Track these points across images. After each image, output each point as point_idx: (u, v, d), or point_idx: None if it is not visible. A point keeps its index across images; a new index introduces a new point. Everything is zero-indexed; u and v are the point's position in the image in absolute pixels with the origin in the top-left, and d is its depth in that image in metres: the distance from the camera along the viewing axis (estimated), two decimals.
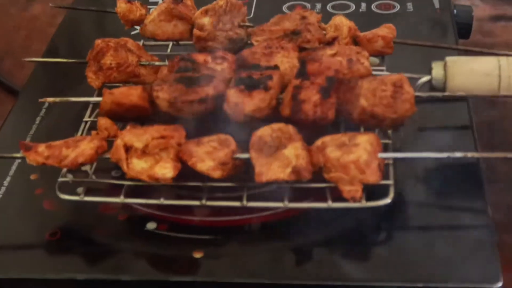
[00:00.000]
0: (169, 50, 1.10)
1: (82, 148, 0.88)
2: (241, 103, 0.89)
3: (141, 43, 1.10)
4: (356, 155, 0.81)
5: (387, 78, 0.84)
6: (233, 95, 0.90)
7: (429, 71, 0.96)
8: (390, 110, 0.83)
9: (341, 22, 1.05)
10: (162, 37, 1.07)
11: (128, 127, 0.89)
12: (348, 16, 1.06)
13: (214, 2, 1.07)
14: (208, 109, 0.91)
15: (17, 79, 1.30)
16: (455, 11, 1.21)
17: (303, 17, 1.05)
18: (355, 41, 1.05)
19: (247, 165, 0.82)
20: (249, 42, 1.06)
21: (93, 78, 1.01)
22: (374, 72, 0.97)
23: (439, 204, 0.88)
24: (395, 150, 0.90)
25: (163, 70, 1.02)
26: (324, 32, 1.05)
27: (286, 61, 0.97)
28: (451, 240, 0.83)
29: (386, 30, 1.04)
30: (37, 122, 1.03)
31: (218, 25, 1.05)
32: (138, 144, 0.86)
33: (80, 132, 0.97)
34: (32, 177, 0.93)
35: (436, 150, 0.83)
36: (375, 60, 1.05)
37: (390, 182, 0.85)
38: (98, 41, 1.02)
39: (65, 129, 1.01)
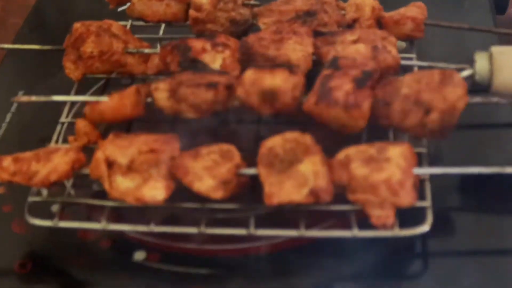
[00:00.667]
0: (161, 32, 0.95)
1: (56, 162, 0.74)
2: (260, 79, 0.77)
3: (128, 24, 0.94)
4: (388, 174, 0.69)
5: (434, 71, 0.75)
6: (251, 73, 0.78)
7: (469, 62, 0.81)
8: (438, 97, 0.72)
9: (363, 1, 0.90)
10: (153, 19, 0.92)
11: (110, 137, 0.74)
12: None
13: None
14: (217, 100, 0.78)
15: None
16: None
17: None
18: (380, 23, 0.91)
19: (255, 181, 0.72)
20: (255, 23, 0.92)
21: (71, 69, 0.86)
22: (402, 62, 0.84)
23: (485, 224, 0.75)
24: (431, 161, 0.76)
25: (154, 59, 0.87)
26: (343, 12, 0.89)
27: (299, 49, 0.83)
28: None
29: (415, 10, 0.90)
30: (7, 120, 0.92)
31: (218, 4, 0.90)
32: (123, 160, 0.72)
33: (55, 136, 0.81)
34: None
35: (480, 161, 0.74)
36: (402, 44, 0.91)
37: (427, 204, 0.72)
38: (77, 25, 0.87)
39: (40, 130, 0.89)
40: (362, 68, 0.77)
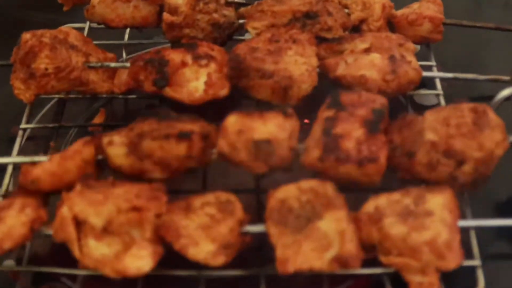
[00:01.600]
0: (126, 37, 0.81)
1: (9, 224, 0.59)
2: (248, 127, 0.62)
3: (86, 26, 0.79)
4: (432, 233, 0.57)
5: (462, 105, 0.63)
6: (235, 119, 0.63)
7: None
8: (473, 145, 0.60)
9: None
10: (118, 23, 0.77)
11: (78, 187, 0.58)
12: None
13: None
14: (191, 155, 0.63)
15: None
16: None
17: None
18: (390, 24, 0.78)
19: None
20: (241, 26, 0.77)
21: (21, 89, 0.71)
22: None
23: None
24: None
25: (121, 75, 0.71)
26: (347, 10, 0.74)
27: (301, 61, 0.69)
28: None
29: (432, 8, 0.76)
30: None
31: (197, 5, 0.75)
32: (97, 220, 0.58)
33: (6, 179, 0.65)
34: None
35: None
36: (416, 47, 0.76)
37: (476, 263, 0.60)
38: (26, 36, 0.71)
39: None
40: (370, 105, 0.64)
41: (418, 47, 0.78)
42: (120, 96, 0.74)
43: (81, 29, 0.81)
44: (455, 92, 0.77)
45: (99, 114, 0.76)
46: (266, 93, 0.69)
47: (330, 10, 0.74)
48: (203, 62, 0.70)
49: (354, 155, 0.60)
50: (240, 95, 0.71)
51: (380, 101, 0.64)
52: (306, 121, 0.75)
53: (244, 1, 0.78)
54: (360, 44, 0.71)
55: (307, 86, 0.68)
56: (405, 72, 0.69)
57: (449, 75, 0.73)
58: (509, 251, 0.66)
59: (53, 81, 0.71)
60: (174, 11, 0.75)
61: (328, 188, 0.59)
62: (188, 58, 0.70)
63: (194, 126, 0.63)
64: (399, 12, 0.77)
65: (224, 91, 0.69)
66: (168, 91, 0.69)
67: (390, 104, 0.71)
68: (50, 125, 0.73)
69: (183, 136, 0.62)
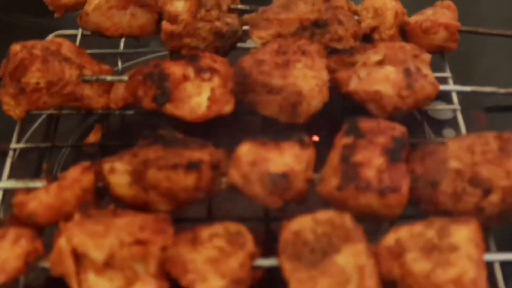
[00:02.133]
0: (121, 45, 0.77)
1: (3, 257, 0.54)
2: (262, 158, 0.59)
3: (78, 34, 0.75)
4: (458, 270, 0.53)
5: (485, 133, 0.60)
6: (248, 149, 0.60)
7: None
8: (500, 172, 0.57)
9: (384, 4, 0.72)
10: (113, 32, 0.73)
11: (77, 217, 0.54)
12: None
13: None
14: (200, 187, 0.59)
15: None
16: None
17: None
18: (403, 31, 0.74)
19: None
20: (245, 34, 0.73)
21: (11, 105, 0.66)
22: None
23: None
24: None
25: (118, 89, 0.67)
26: (357, 17, 0.70)
27: (311, 75, 0.65)
28: None
29: (447, 14, 0.72)
30: None
31: (198, 13, 0.71)
32: (98, 254, 0.55)
33: None
34: None
35: None
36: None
37: None
38: (16, 48, 0.67)
39: None
40: (390, 132, 0.61)
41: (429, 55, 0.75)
42: (117, 112, 0.69)
43: (73, 36, 0.77)
44: (471, 105, 0.73)
45: (94, 130, 0.72)
46: (273, 109, 0.65)
47: (341, 18, 0.70)
48: (206, 75, 0.65)
49: (375, 184, 0.57)
50: (245, 111, 0.67)
51: (400, 129, 0.61)
52: (315, 137, 0.71)
53: (248, 8, 0.73)
54: (373, 56, 0.68)
55: (317, 102, 0.64)
56: (422, 87, 0.65)
57: (467, 88, 0.69)
58: None
59: (45, 96, 0.67)
60: (173, 19, 0.70)
61: (346, 220, 0.55)
62: (190, 71, 0.66)
63: (203, 154, 0.59)
64: (413, 19, 0.73)
65: (228, 107, 0.65)
66: (169, 108, 0.64)
67: (404, 119, 0.68)
68: (42, 145, 0.68)
69: (192, 167, 0.58)
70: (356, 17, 0.73)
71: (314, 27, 0.70)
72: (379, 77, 0.65)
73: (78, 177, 0.59)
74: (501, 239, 0.61)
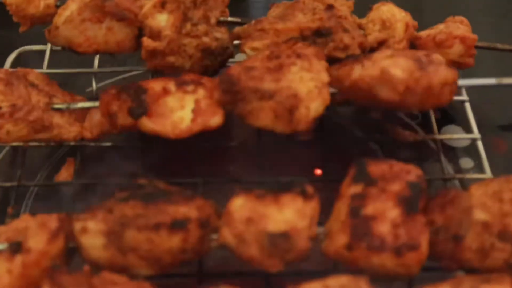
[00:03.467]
0: (96, 62, 0.69)
1: None
2: (258, 215, 0.50)
3: (47, 49, 0.67)
4: None
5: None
6: (242, 203, 0.51)
7: None
8: None
9: (392, 16, 0.66)
10: (87, 49, 0.65)
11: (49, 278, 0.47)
12: None
13: None
14: (186, 248, 0.51)
15: None
16: None
17: (329, 7, 0.64)
18: (414, 46, 0.67)
19: None
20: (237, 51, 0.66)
21: None
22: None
23: None
24: None
25: (93, 115, 0.59)
26: (362, 31, 0.62)
27: (308, 77, 0.58)
28: None
29: (461, 27, 0.66)
30: None
31: (184, 27, 0.63)
32: None
33: None
34: None
35: None
36: None
37: None
38: None
39: None
40: (404, 177, 0.53)
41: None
42: (92, 144, 0.61)
43: (40, 52, 0.70)
44: (489, 129, 0.67)
45: (66, 165, 0.63)
46: (267, 118, 0.57)
47: (346, 26, 0.62)
48: (190, 88, 0.58)
49: (390, 241, 0.50)
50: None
51: (416, 173, 0.54)
52: (317, 171, 0.64)
53: (239, 20, 0.66)
54: (380, 54, 0.60)
55: (317, 106, 0.57)
56: (436, 70, 0.57)
57: (492, 80, 0.65)
58: None
59: (8, 124, 0.58)
60: (156, 35, 0.63)
61: (363, 284, 0.47)
62: (171, 85, 0.58)
63: (189, 209, 0.51)
64: (424, 33, 0.66)
65: (216, 120, 0.57)
66: (147, 124, 0.56)
67: (418, 149, 0.62)
68: (7, 184, 0.60)
69: (177, 226, 0.49)
70: (362, 31, 0.65)
71: (316, 37, 0.63)
72: (386, 62, 0.58)
73: (45, 249, 0.51)
74: None
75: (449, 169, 0.64)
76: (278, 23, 0.64)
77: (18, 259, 0.51)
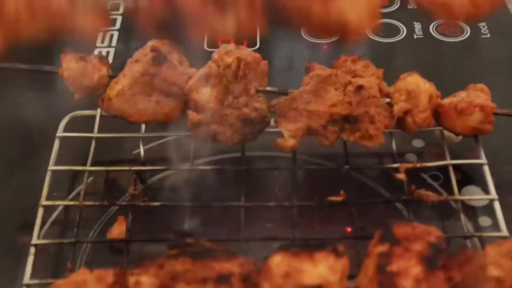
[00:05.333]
0: (143, 128, 0.74)
1: None
2: (295, 270, 0.55)
3: (97, 114, 0.75)
4: None
5: None
6: (280, 260, 0.55)
7: None
8: None
9: (417, 87, 0.70)
10: (138, 119, 0.69)
11: None
12: (399, 44, 0.80)
13: (215, 57, 0.68)
14: None
15: None
16: None
17: (359, 88, 0.68)
18: (437, 113, 0.70)
19: None
20: (272, 121, 0.70)
21: None
22: None
23: None
24: None
25: None
26: (388, 100, 0.67)
27: None
28: None
29: (481, 96, 0.69)
30: None
31: (226, 100, 0.68)
32: None
33: None
34: None
35: None
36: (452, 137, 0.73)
37: None
38: None
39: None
40: (426, 238, 0.57)
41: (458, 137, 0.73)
42: (141, 204, 0.66)
43: (91, 117, 0.74)
44: (507, 190, 0.70)
45: (118, 222, 0.68)
46: None
47: (373, 114, 0.67)
48: None
49: None
50: None
51: (436, 234, 0.58)
52: (347, 229, 0.68)
53: (276, 90, 0.70)
54: None
55: None
56: None
57: None
58: None
59: None
60: (200, 108, 0.67)
61: None
62: None
63: (233, 266, 0.55)
64: (446, 101, 0.70)
65: None
66: None
67: (441, 209, 0.66)
68: (66, 241, 0.66)
69: (223, 280, 0.54)
70: (388, 100, 0.70)
71: (344, 122, 0.67)
72: None
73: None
74: None
75: (469, 227, 0.66)
76: (311, 103, 0.68)
77: None
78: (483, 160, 0.70)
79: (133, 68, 0.69)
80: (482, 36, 0.90)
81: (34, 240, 0.64)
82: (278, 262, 0.56)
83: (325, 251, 0.56)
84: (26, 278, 0.62)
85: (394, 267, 0.55)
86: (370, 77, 0.70)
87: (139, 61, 0.69)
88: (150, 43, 0.71)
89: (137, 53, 0.71)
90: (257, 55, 0.70)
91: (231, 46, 0.70)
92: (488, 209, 0.68)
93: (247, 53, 0.69)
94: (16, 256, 0.66)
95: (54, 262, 0.66)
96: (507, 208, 0.67)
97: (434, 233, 0.58)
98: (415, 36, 0.90)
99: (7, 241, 0.68)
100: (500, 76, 0.84)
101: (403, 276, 0.55)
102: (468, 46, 0.88)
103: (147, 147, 0.74)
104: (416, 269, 0.55)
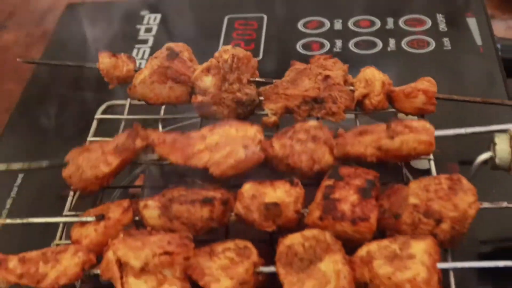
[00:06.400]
0: (162, 112, 0.92)
1: (65, 264, 0.71)
2: (260, 194, 0.73)
3: (127, 103, 0.93)
4: (413, 272, 0.66)
5: (440, 176, 0.72)
6: (250, 187, 0.75)
7: (489, 146, 0.78)
8: (448, 205, 0.70)
9: (373, 76, 0.87)
10: (156, 101, 0.89)
11: (121, 236, 0.71)
12: (374, 56, 0.96)
13: (216, 55, 0.87)
14: (213, 217, 0.74)
15: None
16: (499, 46, 1.02)
17: (326, 77, 0.86)
18: (390, 98, 0.87)
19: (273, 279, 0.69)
20: (260, 103, 0.88)
21: None
22: None
23: None
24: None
25: None
26: (352, 88, 0.86)
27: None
28: None
29: (426, 83, 0.86)
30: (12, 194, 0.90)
31: (223, 86, 0.86)
32: (136, 262, 0.69)
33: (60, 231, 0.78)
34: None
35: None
36: (405, 117, 0.88)
37: None
38: None
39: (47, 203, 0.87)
40: (364, 176, 0.75)
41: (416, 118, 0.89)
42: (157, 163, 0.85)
43: (122, 106, 0.93)
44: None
45: (139, 178, 0.88)
46: None
47: (335, 96, 0.84)
48: None
49: (348, 215, 0.71)
50: None
51: (373, 174, 0.75)
52: None
53: (263, 80, 0.89)
54: None
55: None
56: None
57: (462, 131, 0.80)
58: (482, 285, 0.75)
59: None
60: (203, 92, 0.86)
61: (327, 236, 0.69)
62: None
63: (216, 193, 0.74)
64: (397, 88, 0.86)
65: None
66: None
67: (387, 169, 0.81)
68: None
69: (207, 202, 0.73)
70: (351, 87, 0.89)
71: (314, 103, 0.85)
72: None
73: (119, 218, 0.75)
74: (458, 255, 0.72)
75: (408, 175, 0.82)
76: (289, 88, 0.85)
77: (102, 224, 0.75)
78: None
79: (152, 62, 0.89)
80: (444, 48, 1.07)
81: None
82: (248, 188, 0.75)
83: (283, 181, 0.75)
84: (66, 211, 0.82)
85: (336, 195, 0.73)
86: (337, 70, 0.89)
87: (157, 57, 0.90)
88: (167, 45, 0.91)
89: (156, 52, 0.91)
90: (248, 53, 0.89)
91: (229, 46, 0.90)
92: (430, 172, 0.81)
93: (240, 51, 0.89)
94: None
95: (89, 205, 0.84)
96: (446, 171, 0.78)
97: (371, 173, 0.76)
98: (389, 49, 1.08)
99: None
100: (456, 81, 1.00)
101: (343, 202, 0.72)
102: (433, 56, 1.05)
103: (166, 129, 0.91)
104: (353, 197, 0.72)
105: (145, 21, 1.18)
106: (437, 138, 0.75)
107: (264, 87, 0.89)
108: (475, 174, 0.76)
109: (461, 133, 0.78)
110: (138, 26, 1.17)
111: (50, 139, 0.96)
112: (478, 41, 1.04)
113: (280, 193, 0.73)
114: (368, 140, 0.77)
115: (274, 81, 0.89)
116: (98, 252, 0.74)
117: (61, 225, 0.80)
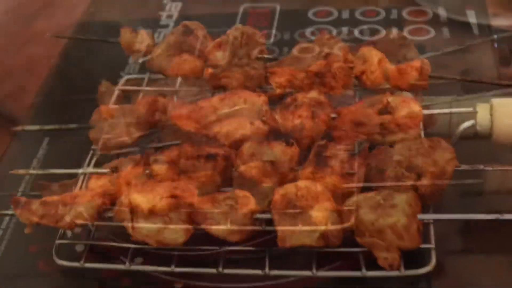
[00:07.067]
0: (177, 85, 0.99)
1: (82, 207, 0.78)
2: (258, 153, 0.80)
3: (146, 77, 1.00)
4: (394, 219, 0.72)
5: (422, 139, 0.80)
6: (249, 146, 0.82)
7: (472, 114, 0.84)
8: (428, 161, 0.75)
9: (370, 54, 0.93)
10: (171, 73, 0.96)
11: (133, 182, 0.78)
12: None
13: (228, 32, 0.96)
14: (217, 170, 0.81)
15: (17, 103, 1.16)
16: (495, 36, 1.09)
17: (327, 54, 0.93)
18: (386, 75, 0.93)
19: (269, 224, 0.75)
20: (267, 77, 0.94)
21: None
22: None
23: (485, 265, 0.77)
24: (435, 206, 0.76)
25: None
26: (351, 65, 0.93)
27: None
28: None
29: (420, 62, 0.93)
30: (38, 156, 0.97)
31: (233, 60, 0.94)
32: (145, 205, 0.76)
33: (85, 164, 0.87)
34: (27, 230, 0.79)
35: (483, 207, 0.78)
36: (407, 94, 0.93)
37: (431, 246, 0.74)
38: None
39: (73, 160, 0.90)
40: (354, 139, 0.82)
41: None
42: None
43: (142, 79, 1.00)
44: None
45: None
46: None
47: (334, 71, 0.91)
48: None
49: (338, 170, 0.78)
50: None
51: (362, 136, 0.82)
52: None
53: (271, 57, 0.96)
54: None
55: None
56: None
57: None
58: (462, 239, 0.80)
59: None
60: (215, 65, 0.93)
61: (318, 186, 0.76)
62: None
63: (219, 150, 0.81)
64: (393, 66, 0.92)
65: None
66: None
67: None
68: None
69: (211, 157, 0.80)
70: (351, 66, 0.95)
71: (316, 77, 0.91)
72: None
73: (131, 170, 0.82)
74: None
75: None
76: (293, 64, 0.93)
77: (115, 175, 0.83)
78: None
79: (169, 37, 0.97)
80: (444, 37, 1.13)
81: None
82: (248, 147, 0.82)
83: (279, 142, 0.82)
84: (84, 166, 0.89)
85: (327, 153, 0.80)
86: (338, 49, 0.96)
87: (173, 33, 0.98)
88: (183, 22, 0.99)
89: (173, 29, 0.99)
90: (257, 31, 0.97)
91: (240, 25, 0.98)
92: None
93: (249, 29, 0.97)
94: None
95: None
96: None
97: (362, 137, 0.83)
98: (392, 36, 1.14)
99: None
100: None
101: (333, 159, 0.79)
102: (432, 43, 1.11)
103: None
104: (343, 155, 0.80)
105: (167, 8, 1.26)
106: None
107: (271, 62, 0.95)
108: (457, 142, 0.83)
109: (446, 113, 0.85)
110: (160, 13, 1.24)
111: (76, 107, 1.03)
112: (475, 30, 1.12)
113: (277, 152, 0.81)
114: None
115: (281, 58, 0.96)
116: (112, 200, 0.81)
117: (80, 178, 0.87)
